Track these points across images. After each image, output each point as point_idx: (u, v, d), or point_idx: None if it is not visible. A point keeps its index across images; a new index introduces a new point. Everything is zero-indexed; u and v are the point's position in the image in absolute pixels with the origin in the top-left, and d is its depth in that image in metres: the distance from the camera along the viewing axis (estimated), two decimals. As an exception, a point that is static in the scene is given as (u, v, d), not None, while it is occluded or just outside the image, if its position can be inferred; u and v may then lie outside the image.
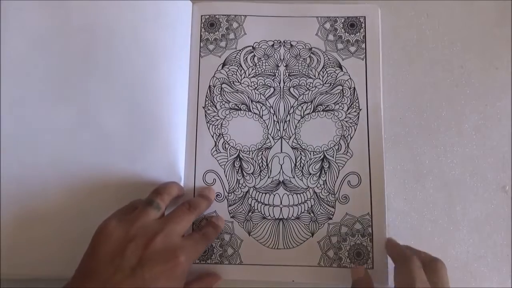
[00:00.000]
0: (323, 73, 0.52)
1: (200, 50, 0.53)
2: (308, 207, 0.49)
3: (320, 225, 0.49)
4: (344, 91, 0.52)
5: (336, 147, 0.50)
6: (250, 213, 0.49)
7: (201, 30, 0.53)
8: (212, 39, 0.53)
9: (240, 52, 0.53)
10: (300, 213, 0.49)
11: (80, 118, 0.49)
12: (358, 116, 0.51)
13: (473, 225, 0.50)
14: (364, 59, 0.52)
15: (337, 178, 0.50)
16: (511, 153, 0.52)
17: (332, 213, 0.49)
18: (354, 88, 0.52)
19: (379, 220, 0.48)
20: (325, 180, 0.50)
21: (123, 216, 0.41)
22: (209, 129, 0.51)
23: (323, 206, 0.49)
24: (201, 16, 0.54)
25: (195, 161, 0.50)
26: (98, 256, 0.38)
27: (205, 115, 0.51)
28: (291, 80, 0.52)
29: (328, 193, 0.50)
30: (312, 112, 0.51)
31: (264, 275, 0.47)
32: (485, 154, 0.52)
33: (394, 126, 0.53)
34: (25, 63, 0.49)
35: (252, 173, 0.50)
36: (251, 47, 0.53)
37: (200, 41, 0.53)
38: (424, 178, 0.52)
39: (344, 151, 0.50)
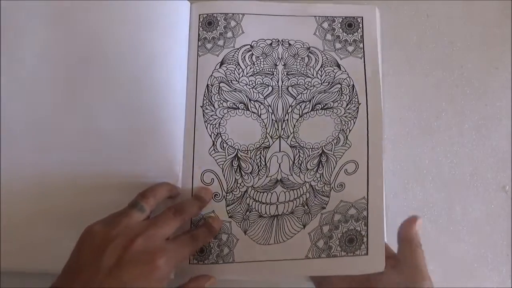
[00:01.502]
0: (321, 72, 0.53)
1: (198, 49, 0.54)
2: (303, 201, 0.50)
3: (312, 216, 0.49)
4: (342, 89, 0.52)
5: (335, 141, 0.51)
6: (247, 213, 0.50)
7: (199, 29, 0.54)
8: (210, 38, 0.54)
9: (238, 50, 0.54)
10: (295, 207, 0.50)
11: (81, 120, 0.51)
12: (358, 110, 0.51)
13: (473, 225, 0.52)
14: (363, 58, 0.53)
15: (334, 168, 0.50)
16: (511, 153, 0.53)
17: (326, 202, 0.49)
18: (353, 85, 0.52)
19: (375, 202, 0.48)
20: (322, 173, 0.50)
21: (109, 219, 0.43)
22: (207, 128, 0.52)
23: (318, 197, 0.49)
24: (199, 15, 0.55)
25: (193, 160, 0.51)
26: (81, 256, 0.40)
27: (203, 114, 0.52)
28: (289, 79, 0.53)
29: (324, 184, 0.50)
30: (311, 111, 0.52)
31: (252, 272, 0.48)
32: (485, 154, 0.54)
33: (394, 126, 0.55)
34: (30, 71, 0.52)
35: (250, 173, 0.51)
36: (249, 46, 0.54)
37: (198, 40, 0.54)
38: (424, 178, 0.53)
39: (343, 144, 0.51)
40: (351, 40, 0.54)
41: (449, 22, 0.58)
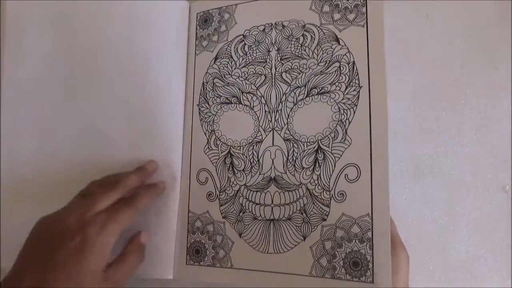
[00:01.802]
0: (317, 50, 0.48)
1: (195, 48, 0.54)
2: (300, 206, 0.46)
3: (313, 227, 0.46)
4: (341, 68, 0.47)
5: (332, 134, 0.46)
6: (241, 213, 0.49)
7: (196, 28, 0.55)
8: (206, 35, 0.54)
9: (231, 43, 0.53)
10: (292, 213, 0.47)
11: (80, 120, 0.53)
12: (358, 96, 0.46)
13: (473, 225, 0.52)
14: (365, 26, 0.47)
15: (332, 171, 0.46)
16: (511, 153, 0.53)
17: (327, 213, 0.45)
18: (353, 62, 0.46)
19: (380, 221, 0.43)
20: (319, 174, 0.46)
21: None
22: (202, 126, 0.52)
23: (317, 205, 0.46)
24: (197, 14, 0.55)
25: (191, 160, 0.52)
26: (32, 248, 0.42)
27: (199, 112, 0.52)
28: (283, 64, 0.49)
29: (322, 190, 0.46)
30: (306, 97, 0.48)
31: (253, 282, 0.47)
32: (485, 154, 0.53)
33: (394, 126, 0.55)
34: (39, 80, 0.55)
35: (243, 170, 0.50)
36: (241, 36, 0.52)
37: (196, 39, 0.55)
38: (424, 178, 0.53)
39: (342, 139, 0.46)
40: (352, 6, 0.48)
41: (449, 22, 0.58)
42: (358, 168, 0.45)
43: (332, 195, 0.46)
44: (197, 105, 0.53)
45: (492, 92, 0.56)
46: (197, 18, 0.55)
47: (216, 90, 0.52)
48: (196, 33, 0.55)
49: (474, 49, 0.57)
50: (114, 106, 0.53)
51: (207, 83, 0.53)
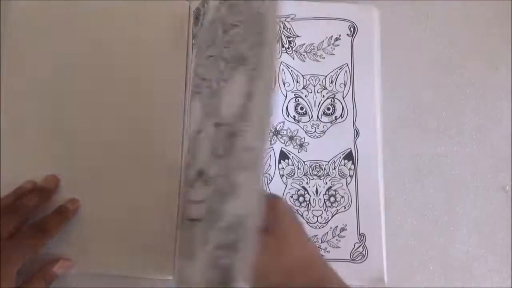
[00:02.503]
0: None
1: (193, 47, 0.54)
2: None
3: None
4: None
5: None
6: None
7: (193, 27, 0.55)
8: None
9: None
10: None
11: (81, 120, 0.53)
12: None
13: (473, 225, 0.53)
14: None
15: None
16: (511, 153, 0.54)
17: None
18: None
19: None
20: None
21: None
22: None
23: None
24: (193, 12, 0.55)
25: None
26: None
27: None
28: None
29: None
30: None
31: None
32: (485, 154, 0.54)
33: (394, 126, 0.55)
34: (39, 81, 0.54)
35: None
36: None
37: (193, 38, 0.55)
38: (424, 178, 0.54)
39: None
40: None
41: (449, 22, 0.59)
42: None
43: None
44: (198, 105, 0.53)
45: (492, 92, 0.56)
46: (193, 16, 0.55)
47: None
48: (193, 32, 0.55)
49: (474, 49, 0.58)
50: (114, 106, 0.53)
51: None
